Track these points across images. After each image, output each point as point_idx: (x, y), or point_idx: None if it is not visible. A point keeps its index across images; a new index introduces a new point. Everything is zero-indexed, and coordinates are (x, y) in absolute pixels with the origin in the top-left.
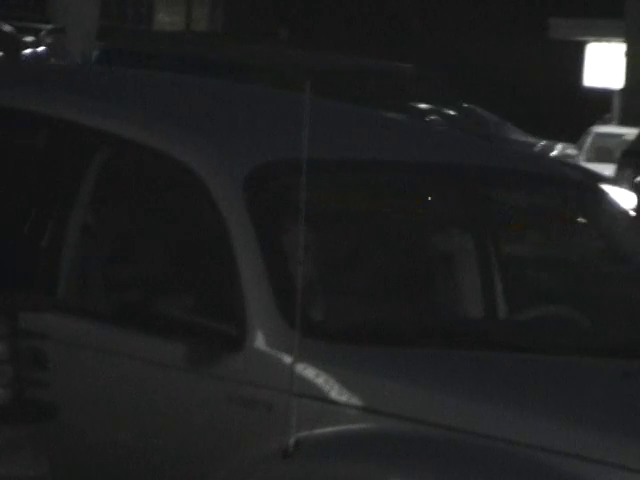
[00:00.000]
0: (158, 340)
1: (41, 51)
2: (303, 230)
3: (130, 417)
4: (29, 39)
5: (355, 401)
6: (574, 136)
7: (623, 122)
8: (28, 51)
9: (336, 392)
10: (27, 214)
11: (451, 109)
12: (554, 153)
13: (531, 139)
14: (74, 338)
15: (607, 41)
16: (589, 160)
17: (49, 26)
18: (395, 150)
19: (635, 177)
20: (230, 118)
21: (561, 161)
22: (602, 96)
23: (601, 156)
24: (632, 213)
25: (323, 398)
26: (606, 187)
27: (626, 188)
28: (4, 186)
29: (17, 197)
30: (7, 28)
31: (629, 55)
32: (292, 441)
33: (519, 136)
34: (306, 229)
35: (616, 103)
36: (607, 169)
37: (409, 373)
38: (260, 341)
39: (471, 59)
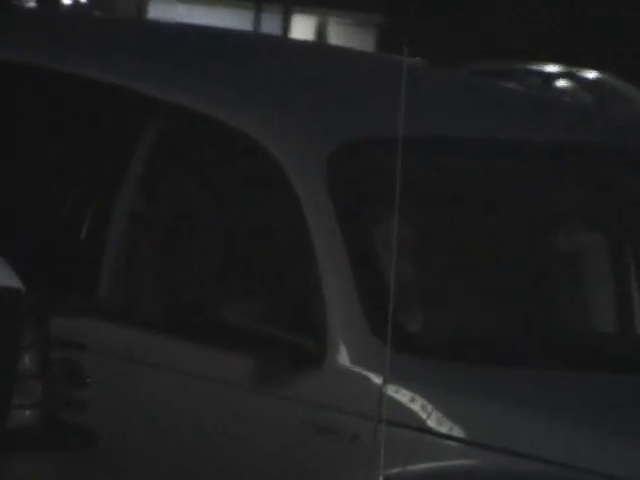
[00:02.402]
0: (219, 353)
1: (84, 1)
2: (398, 223)
3: (183, 445)
4: None
5: (458, 432)
6: None
7: None
8: (69, 1)
9: (435, 421)
10: (63, 198)
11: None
12: None
13: None
14: (118, 349)
15: None
16: None
17: None
18: (510, 127)
19: None
20: (309, 86)
21: None
22: None
23: None
24: None
25: (419, 427)
26: None
27: None
28: (35, 164)
29: (50, 176)
30: None
31: None
32: (381, 479)
33: None
34: (402, 222)
35: None
36: None
37: (525, 400)
38: (343, 357)
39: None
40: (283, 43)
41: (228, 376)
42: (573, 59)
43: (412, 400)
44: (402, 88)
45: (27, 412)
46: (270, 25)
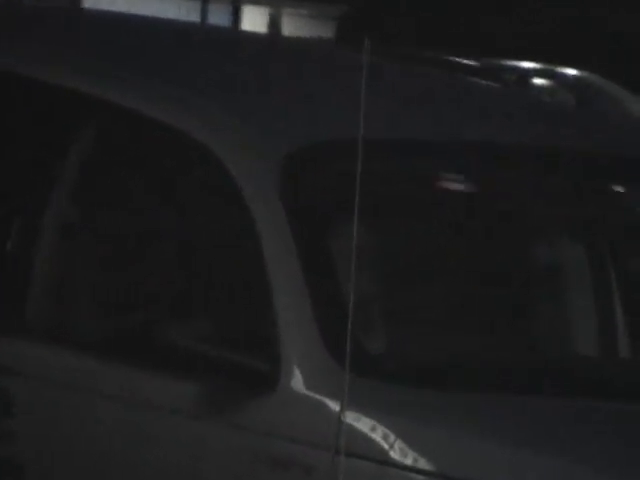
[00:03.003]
0: (163, 378)
1: None
2: (358, 234)
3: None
4: None
5: (424, 464)
6: None
7: None
8: None
9: (399, 452)
10: None
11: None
12: None
13: None
14: (49, 374)
15: None
16: None
17: None
18: (484, 128)
19: None
20: (260, 83)
21: None
22: None
23: None
24: None
25: (381, 460)
26: None
27: None
28: None
29: None
30: None
31: None
32: None
33: None
34: (362, 233)
35: None
36: None
37: (502, 429)
38: (298, 382)
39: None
40: (231, 36)
41: (173, 403)
42: (552, 55)
43: (373, 429)
44: (362, 86)
45: None
46: (218, 16)
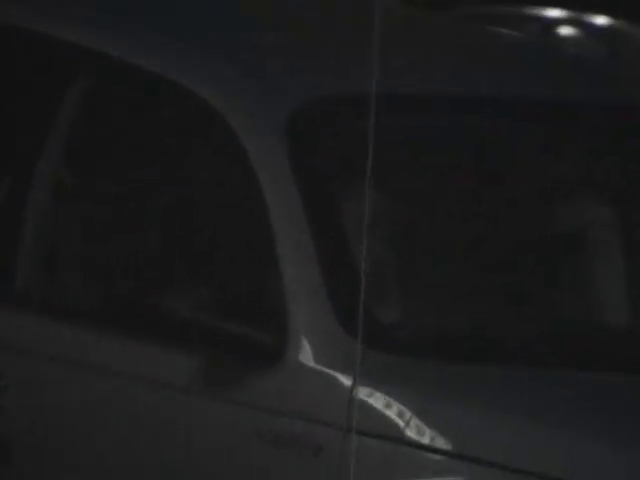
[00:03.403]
0: (160, 351)
1: None
2: (371, 199)
3: (116, 458)
4: None
5: (442, 443)
6: None
7: None
8: None
9: (415, 430)
10: None
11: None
12: None
13: None
14: (39, 346)
15: None
16: None
17: None
18: (504, 82)
19: None
20: (262, 36)
21: None
22: None
23: None
24: None
25: (396, 438)
26: None
27: None
28: None
29: None
30: None
31: None
32: None
33: None
34: (375, 197)
35: None
36: None
37: (523, 405)
38: (306, 355)
39: None
40: None
41: (170, 378)
42: (579, 2)
43: (387, 406)
44: (375, 36)
45: None
46: None
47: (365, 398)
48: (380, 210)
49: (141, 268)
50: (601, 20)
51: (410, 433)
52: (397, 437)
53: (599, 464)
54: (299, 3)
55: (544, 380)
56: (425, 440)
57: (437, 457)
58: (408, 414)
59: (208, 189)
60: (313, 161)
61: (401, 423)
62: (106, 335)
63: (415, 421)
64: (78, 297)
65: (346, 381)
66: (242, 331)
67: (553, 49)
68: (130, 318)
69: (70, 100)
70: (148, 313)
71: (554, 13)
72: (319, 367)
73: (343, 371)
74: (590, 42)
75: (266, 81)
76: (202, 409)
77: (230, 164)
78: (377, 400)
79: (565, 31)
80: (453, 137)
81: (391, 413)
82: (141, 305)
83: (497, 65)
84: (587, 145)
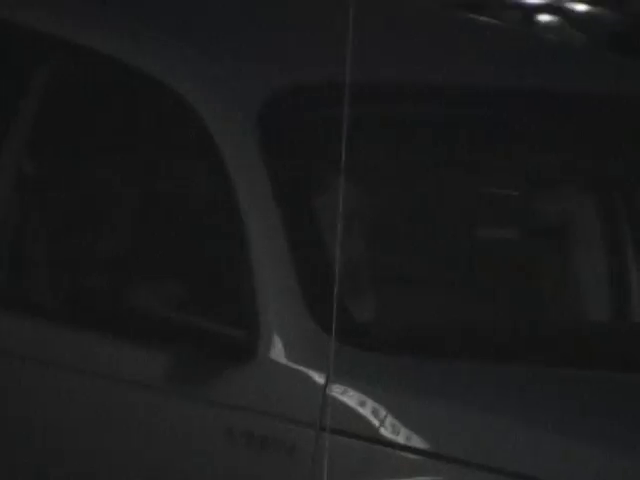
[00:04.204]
0: (130, 348)
1: None
2: (345, 191)
3: (86, 460)
4: None
5: (418, 442)
6: None
7: None
8: None
9: (390, 429)
10: None
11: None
12: None
13: None
14: (5, 344)
15: None
16: None
17: None
18: (482, 70)
19: None
20: (234, 23)
21: None
22: None
23: None
24: None
25: (370, 437)
26: None
27: None
28: None
29: None
30: None
31: None
32: None
33: None
34: (349, 190)
35: None
36: None
37: (495, 401)
38: (278, 351)
39: None
40: None
41: (140, 375)
42: None
43: (362, 404)
44: (349, 24)
45: None
46: None
47: (339, 396)
48: (354, 205)
49: (111, 264)
50: (582, 7)
51: (385, 432)
52: (372, 436)
53: (581, 463)
54: None
55: (520, 377)
56: (400, 439)
57: (413, 456)
58: (383, 412)
59: (179, 184)
60: (286, 155)
61: (376, 421)
62: (74, 333)
63: (390, 419)
64: (46, 294)
65: (319, 379)
66: (214, 328)
67: (534, 37)
68: (99, 315)
69: (34, 90)
70: (118, 310)
71: (534, 0)
72: (292, 364)
73: (316, 368)
74: (571, 30)
75: (237, 72)
76: (173, 408)
77: (201, 158)
78: (351, 398)
79: (545, 18)
80: (430, 128)
81: (365, 411)
82: (110, 302)
83: (475, 54)
84: (571, 135)
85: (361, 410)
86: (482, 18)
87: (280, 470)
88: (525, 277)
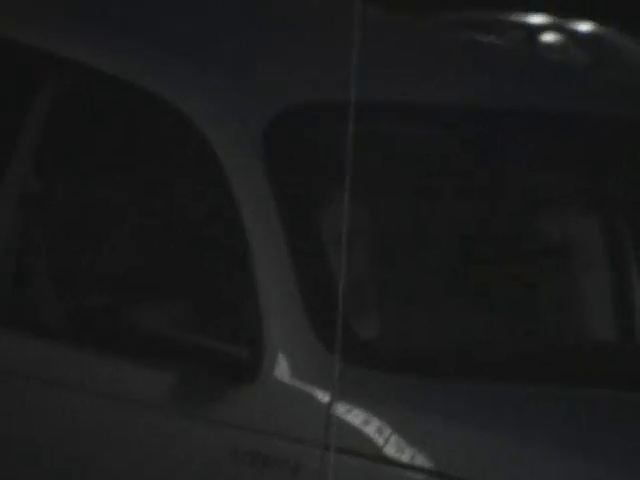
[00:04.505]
0: (132, 367)
1: None
2: (349, 209)
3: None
4: None
5: (422, 461)
6: None
7: None
8: None
9: (394, 447)
10: None
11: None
12: None
13: None
14: (6, 363)
15: None
16: None
17: None
18: (487, 91)
19: None
20: (243, 43)
21: None
22: None
23: None
24: None
25: (375, 456)
26: None
27: None
28: None
29: None
30: None
31: None
32: None
33: None
34: (354, 207)
35: None
36: None
37: (508, 423)
38: (282, 370)
39: None
40: None
41: (143, 395)
42: (563, 9)
43: (366, 422)
44: (355, 42)
45: None
46: None
47: (343, 415)
48: (359, 222)
49: (113, 282)
50: (585, 26)
51: (390, 450)
52: (376, 455)
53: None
54: (279, 10)
55: (526, 397)
56: (405, 458)
57: (417, 476)
58: (387, 431)
59: (182, 201)
60: (290, 172)
61: (380, 440)
62: (77, 352)
63: (395, 438)
64: (48, 313)
65: (324, 397)
66: (217, 347)
67: (538, 57)
68: (102, 334)
69: (39, 108)
70: (120, 329)
71: (536, 20)
72: (296, 383)
73: (321, 387)
74: (575, 49)
75: (242, 89)
76: (176, 427)
77: (205, 177)
78: (356, 417)
79: (549, 38)
80: (436, 147)
81: (370, 430)
82: (113, 321)
83: (481, 73)
84: (575, 155)
85: (366, 429)
86: (486, 38)
87: None
88: (531, 298)
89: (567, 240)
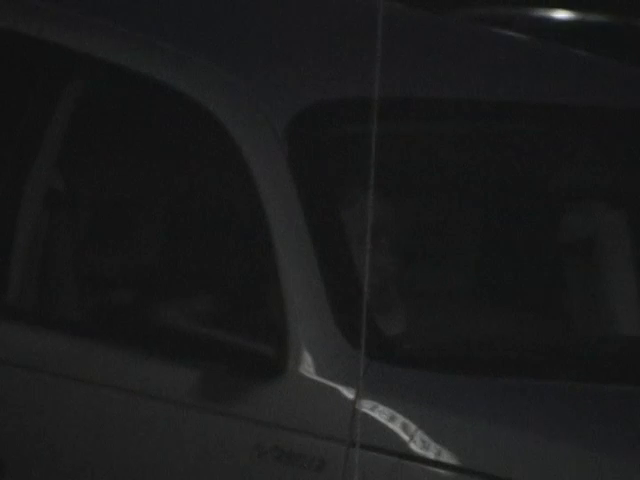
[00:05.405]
0: (159, 364)
1: None
2: (373, 206)
3: (113, 476)
4: None
5: (448, 458)
6: None
7: None
8: None
9: (420, 444)
10: None
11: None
12: None
13: None
14: (32, 359)
15: None
16: None
17: None
18: (511, 86)
19: None
20: (262, 38)
21: None
22: None
23: None
24: None
25: (400, 452)
26: None
27: None
28: None
29: None
30: None
31: None
32: None
33: None
34: (378, 204)
35: None
36: None
37: (532, 419)
38: (308, 367)
39: None
40: None
41: (168, 391)
42: (585, 3)
43: (391, 419)
44: (378, 39)
45: None
46: None
47: (368, 411)
48: (383, 219)
49: (138, 279)
50: (602, 20)
51: (414, 447)
52: (401, 451)
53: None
54: (299, 7)
55: (550, 393)
56: (430, 454)
57: (442, 471)
58: (412, 427)
59: (207, 199)
60: (314, 170)
61: (405, 437)
62: (103, 348)
63: (419, 434)
64: (73, 309)
65: (349, 394)
66: (243, 344)
67: (563, 52)
68: (128, 331)
69: (64, 106)
70: (146, 326)
71: (559, 15)
72: (321, 380)
73: (346, 384)
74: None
75: (266, 87)
76: (202, 423)
77: (229, 173)
78: (380, 413)
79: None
80: (458, 143)
81: (395, 426)
82: (139, 317)
83: (502, 68)
84: (593, 150)
85: (391, 425)
86: (505, 32)
87: None
88: (557, 294)
89: (593, 236)
